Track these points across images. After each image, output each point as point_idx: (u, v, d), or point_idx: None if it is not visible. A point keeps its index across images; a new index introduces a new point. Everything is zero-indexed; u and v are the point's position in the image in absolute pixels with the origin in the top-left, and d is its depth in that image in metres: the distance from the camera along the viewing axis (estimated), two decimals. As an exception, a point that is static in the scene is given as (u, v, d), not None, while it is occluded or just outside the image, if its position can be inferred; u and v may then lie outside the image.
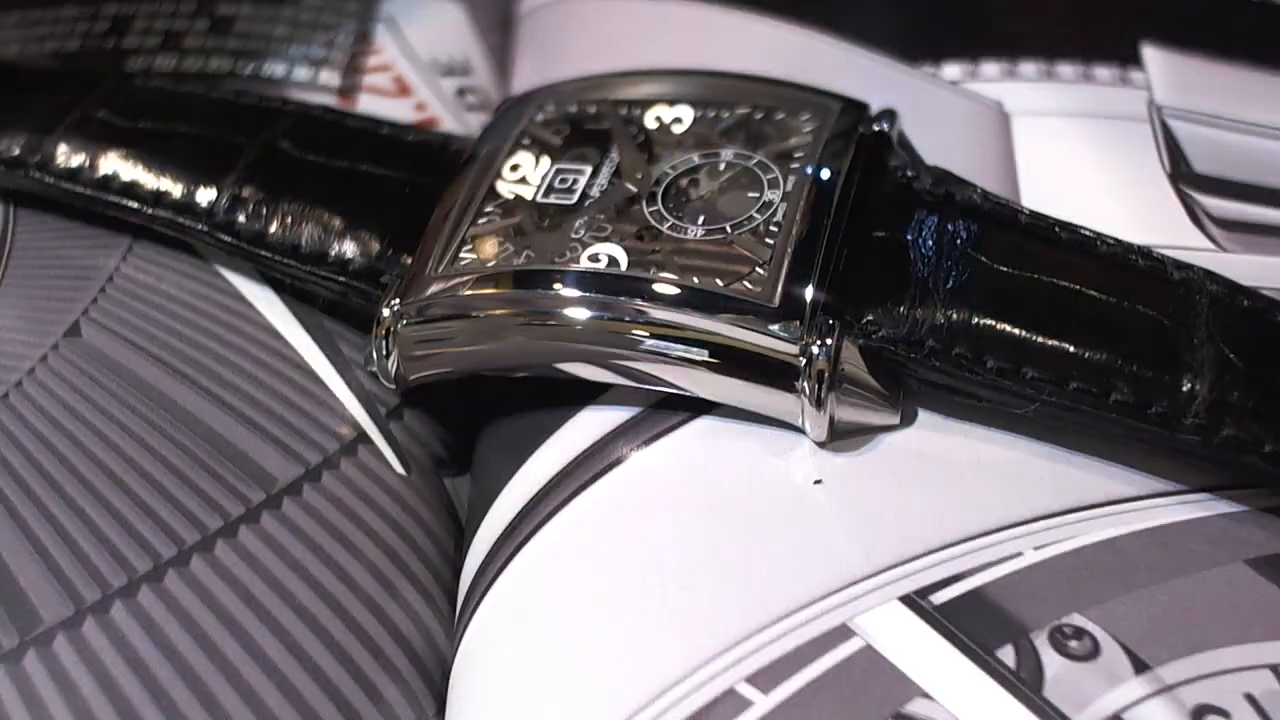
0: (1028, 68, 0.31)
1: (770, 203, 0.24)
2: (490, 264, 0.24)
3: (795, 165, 0.25)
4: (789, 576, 0.22)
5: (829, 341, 0.22)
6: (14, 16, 0.36)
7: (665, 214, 0.25)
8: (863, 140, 0.25)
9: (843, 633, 0.21)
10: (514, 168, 0.26)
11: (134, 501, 0.24)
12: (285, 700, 0.22)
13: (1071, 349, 0.22)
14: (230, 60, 0.35)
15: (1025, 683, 0.20)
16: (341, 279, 0.26)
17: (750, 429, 0.24)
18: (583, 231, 0.25)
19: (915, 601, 0.21)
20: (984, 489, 0.23)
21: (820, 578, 0.22)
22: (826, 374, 0.22)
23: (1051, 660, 0.20)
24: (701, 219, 0.24)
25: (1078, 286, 0.22)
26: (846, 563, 0.22)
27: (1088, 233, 0.23)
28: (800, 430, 0.24)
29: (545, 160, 0.26)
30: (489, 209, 0.26)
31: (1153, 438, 0.22)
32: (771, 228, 0.24)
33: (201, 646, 0.22)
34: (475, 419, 0.27)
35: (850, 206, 0.24)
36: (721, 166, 0.25)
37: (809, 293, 0.23)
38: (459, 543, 0.26)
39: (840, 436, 0.23)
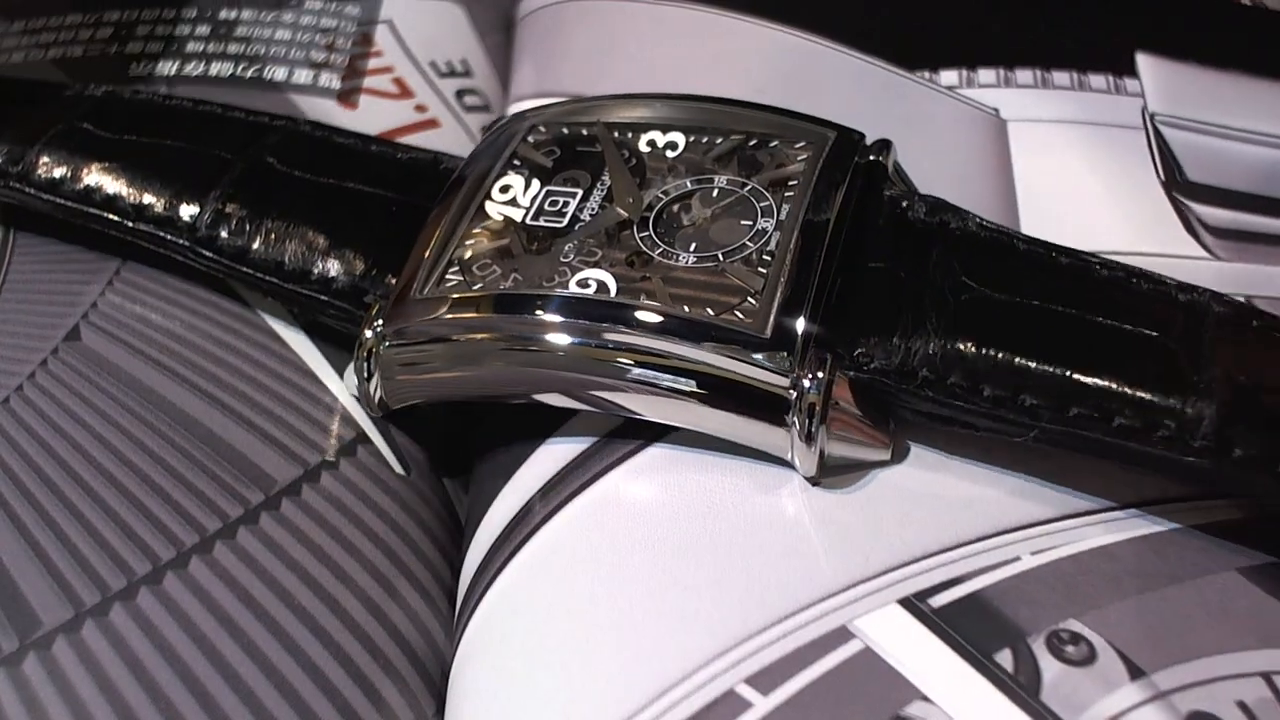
0: (1024, 75, 0.31)
1: (764, 231, 0.24)
2: (477, 286, 0.24)
3: (790, 194, 0.24)
4: (788, 578, 0.22)
5: (820, 375, 0.22)
6: (19, 25, 0.36)
7: (656, 240, 0.24)
8: (858, 170, 0.25)
9: (842, 635, 0.21)
10: (504, 189, 0.26)
11: (133, 504, 0.24)
12: (284, 701, 0.22)
13: (1071, 374, 0.21)
14: (231, 64, 0.34)
15: (1023, 687, 0.20)
16: (324, 298, 0.26)
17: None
18: (572, 256, 0.24)
19: (914, 604, 0.21)
20: (982, 494, 0.23)
21: (820, 579, 0.22)
22: (818, 408, 0.22)
23: (1049, 665, 0.20)
24: (693, 246, 0.24)
25: (1078, 312, 0.22)
26: (846, 565, 0.22)
27: (1088, 257, 0.23)
28: (789, 465, 0.23)
29: (536, 182, 0.26)
30: (477, 230, 0.25)
31: (1160, 462, 0.21)
32: (764, 256, 0.23)
33: (200, 648, 0.22)
34: (475, 418, 0.27)
35: (844, 236, 0.23)
36: (714, 193, 0.25)
37: (801, 325, 0.22)
38: (459, 543, 0.26)
39: (830, 473, 0.23)
